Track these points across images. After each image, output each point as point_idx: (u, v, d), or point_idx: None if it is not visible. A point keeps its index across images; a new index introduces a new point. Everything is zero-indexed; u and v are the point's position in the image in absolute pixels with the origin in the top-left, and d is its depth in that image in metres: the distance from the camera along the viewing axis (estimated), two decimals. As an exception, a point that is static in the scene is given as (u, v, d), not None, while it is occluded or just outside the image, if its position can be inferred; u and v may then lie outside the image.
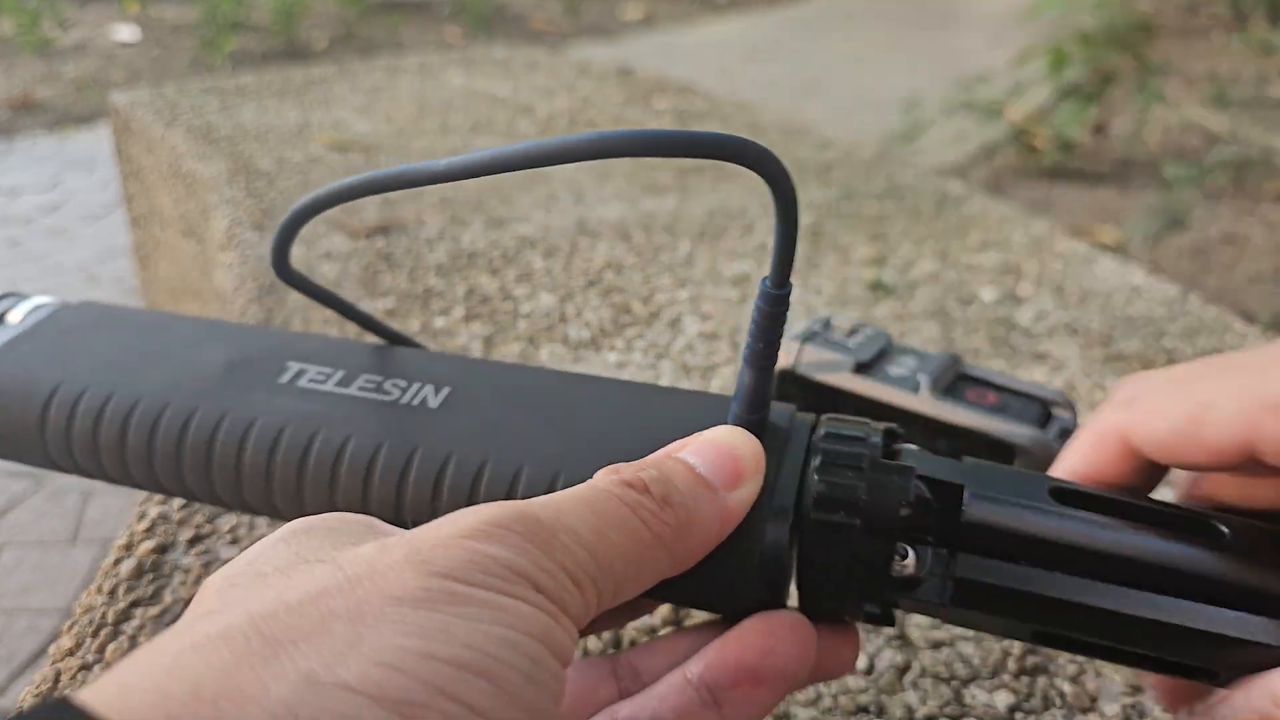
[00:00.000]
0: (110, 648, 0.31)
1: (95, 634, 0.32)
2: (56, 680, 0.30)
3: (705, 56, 1.52)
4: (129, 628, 0.32)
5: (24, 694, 0.30)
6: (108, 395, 0.27)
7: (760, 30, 1.81)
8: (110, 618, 0.32)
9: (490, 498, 0.24)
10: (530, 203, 0.74)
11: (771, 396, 0.24)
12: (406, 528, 0.25)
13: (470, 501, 0.24)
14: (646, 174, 0.83)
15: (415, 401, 0.26)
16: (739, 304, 0.57)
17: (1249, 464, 0.21)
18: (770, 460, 0.23)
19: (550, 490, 0.23)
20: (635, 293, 0.59)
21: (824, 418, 0.24)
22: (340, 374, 0.27)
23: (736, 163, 0.20)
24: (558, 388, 0.27)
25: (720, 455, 0.22)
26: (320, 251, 0.63)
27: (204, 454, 0.26)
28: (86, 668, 0.30)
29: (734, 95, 1.16)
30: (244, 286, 0.57)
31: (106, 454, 0.27)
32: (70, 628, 0.32)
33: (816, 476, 0.22)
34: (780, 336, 0.23)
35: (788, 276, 0.21)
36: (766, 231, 0.70)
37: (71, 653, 0.31)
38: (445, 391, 0.26)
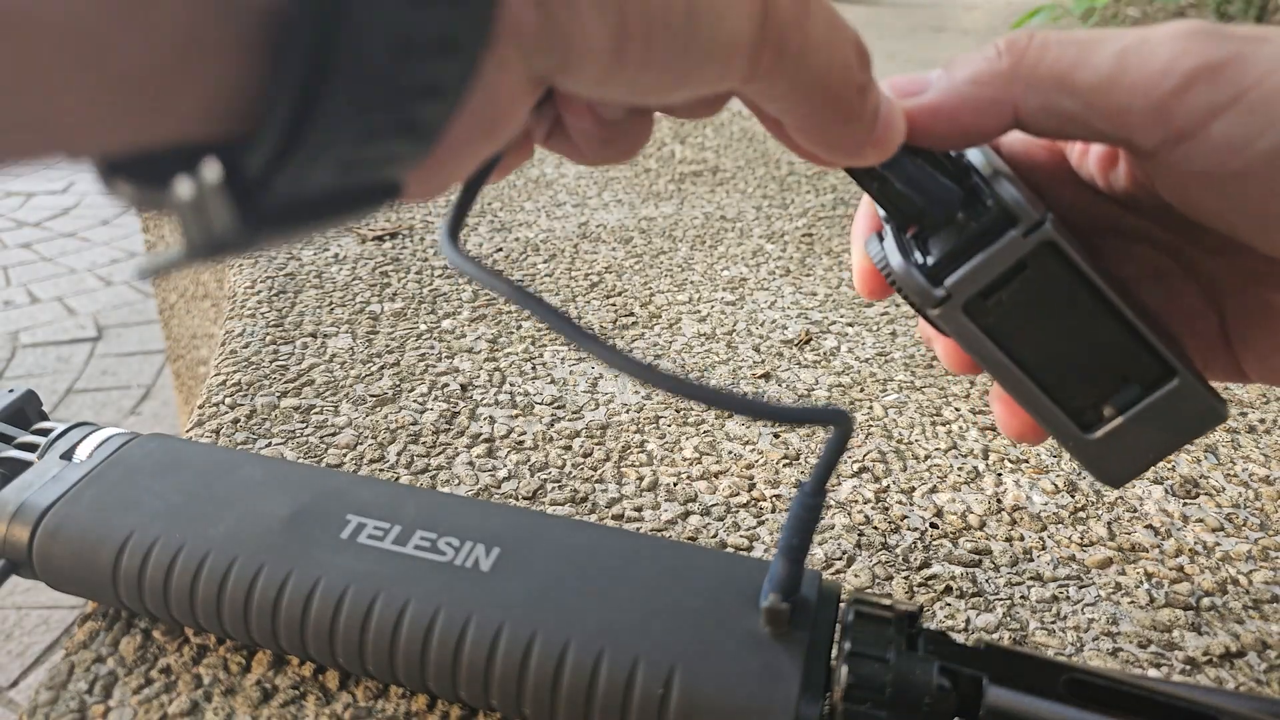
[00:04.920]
0: (124, 641, 0.32)
1: (109, 628, 0.32)
2: (70, 673, 0.31)
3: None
4: (142, 622, 0.32)
5: (37, 687, 0.31)
6: (178, 547, 0.29)
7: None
8: (123, 612, 0.33)
9: (540, 669, 0.25)
10: (534, 208, 0.75)
11: (801, 581, 0.25)
12: (460, 697, 0.27)
13: (522, 670, 0.26)
14: (647, 181, 0.84)
15: (468, 563, 0.28)
16: (735, 307, 0.59)
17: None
18: (802, 634, 0.25)
19: (595, 666, 0.25)
20: (635, 295, 0.60)
21: (853, 595, 0.26)
22: (397, 530, 0.29)
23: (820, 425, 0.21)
24: (602, 549, 0.28)
25: None
26: (330, 255, 0.64)
27: (270, 610, 0.28)
28: (100, 660, 0.31)
29: (736, 102, 1.17)
30: (255, 288, 0.59)
31: (177, 605, 0.29)
32: (83, 622, 0.33)
33: (845, 666, 0.23)
34: (812, 534, 0.25)
35: (824, 485, 0.23)
36: (761, 237, 0.71)
37: (85, 645, 0.32)
38: (496, 553, 0.28)
